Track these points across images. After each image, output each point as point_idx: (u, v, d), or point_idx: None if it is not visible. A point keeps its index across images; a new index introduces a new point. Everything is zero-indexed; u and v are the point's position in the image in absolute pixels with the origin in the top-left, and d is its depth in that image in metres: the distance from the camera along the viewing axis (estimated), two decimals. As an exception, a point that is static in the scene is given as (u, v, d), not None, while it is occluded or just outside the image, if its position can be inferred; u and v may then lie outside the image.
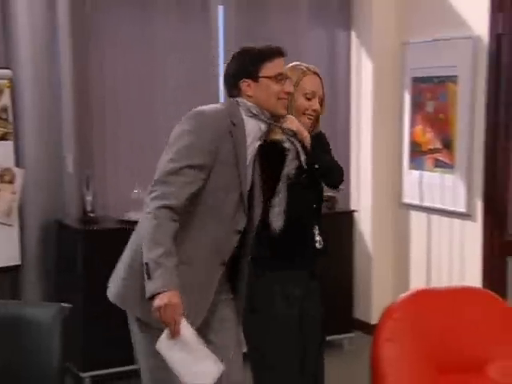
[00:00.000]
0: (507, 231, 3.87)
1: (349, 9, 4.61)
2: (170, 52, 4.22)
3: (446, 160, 4.17)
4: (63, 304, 2.36)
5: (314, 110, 2.40)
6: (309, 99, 2.40)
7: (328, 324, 2.60)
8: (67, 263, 3.82)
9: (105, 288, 3.66)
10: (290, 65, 2.43)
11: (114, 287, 2.34)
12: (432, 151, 4.27)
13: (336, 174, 2.48)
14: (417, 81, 4.35)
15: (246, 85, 2.22)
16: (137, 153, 4.16)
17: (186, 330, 2.08)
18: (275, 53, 2.26)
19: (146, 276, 2.07)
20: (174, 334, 2.05)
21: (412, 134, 4.41)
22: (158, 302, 2.02)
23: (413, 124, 4.40)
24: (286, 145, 2.33)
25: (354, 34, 4.62)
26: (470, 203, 4.00)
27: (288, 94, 2.24)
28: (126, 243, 3.73)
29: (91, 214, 3.86)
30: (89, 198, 3.86)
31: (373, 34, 4.49)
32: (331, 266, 4.16)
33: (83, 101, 3.97)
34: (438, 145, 4.22)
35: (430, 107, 4.28)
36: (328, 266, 4.08)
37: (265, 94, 2.21)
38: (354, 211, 4.51)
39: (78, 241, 3.71)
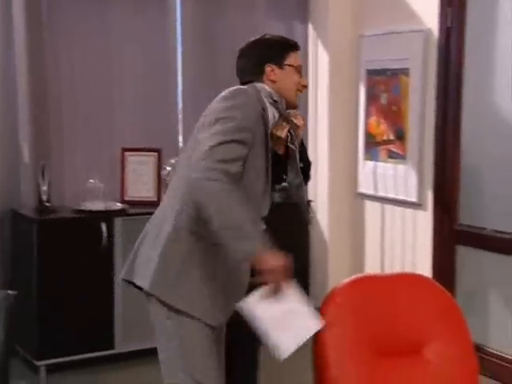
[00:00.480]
0: (456, 220, 3.97)
1: (306, 2, 4.68)
2: (127, 43, 4.25)
3: (399, 151, 4.26)
4: (9, 291, 2.38)
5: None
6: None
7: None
8: (23, 252, 3.84)
9: (60, 277, 3.73)
10: None
11: (142, 272, 2.28)
12: (386, 142, 4.36)
13: (310, 170, 2.57)
14: (371, 73, 4.43)
15: (270, 70, 2.29)
16: (93, 143, 4.19)
17: (290, 288, 2.12)
18: (297, 45, 2.39)
19: (234, 237, 2.04)
20: (277, 292, 2.07)
21: (367, 125, 4.50)
22: (271, 262, 2.03)
23: (368, 116, 4.49)
24: (292, 146, 2.36)
25: (311, 27, 4.69)
26: (421, 193, 4.10)
27: (304, 87, 2.35)
28: (82, 232, 3.81)
29: (47, 204, 3.89)
30: (44, 188, 3.88)
31: (329, 26, 4.56)
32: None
33: (39, 90, 3.98)
34: (392, 136, 4.32)
35: (383, 99, 4.37)
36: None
37: (288, 81, 2.28)
38: (310, 201, 4.58)
39: (34, 230, 3.72)
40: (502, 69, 3.73)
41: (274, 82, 2.28)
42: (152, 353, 3.96)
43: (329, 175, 4.64)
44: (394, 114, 4.30)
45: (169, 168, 4.28)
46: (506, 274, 3.68)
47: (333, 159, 4.64)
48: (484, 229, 3.80)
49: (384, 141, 4.38)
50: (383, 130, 4.38)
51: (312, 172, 4.58)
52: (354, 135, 4.59)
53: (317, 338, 2.39)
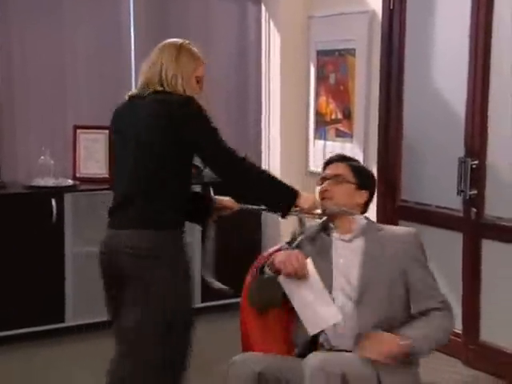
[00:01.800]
0: (399, 197, 4.11)
1: (259, -17, 4.76)
2: (79, 22, 4.30)
3: (346, 130, 4.38)
4: None
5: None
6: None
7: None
8: (-26, 227, 3.90)
9: (11, 252, 3.80)
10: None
11: None
12: (334, 121, 4.48)
13: None
14: (321, 54, 4.53)
15: None
16: (46, 120, 4.25)
17: (312, 271, 2.28)
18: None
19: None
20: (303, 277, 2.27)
21: (317, 105, 4.61)
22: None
23: (317, 96, 4.60)
24: None
25: (263, 8, 4.77)
26: (366, 171, 4.22)
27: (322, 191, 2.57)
28: (32, 208, 3.89)
29: (-2, 180, 3.95)
30: (-4, 164, 3.94)
31: (280, 7, 4.64)
32: (241, 231, 4.39)
33: (-9, 68, 4.03)
34: (339, 115, 4.43)
35: (332, 79, 4.47)
36: (238, 231, 4.35)
37: None
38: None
39: (-15, 205, 3.79)
40: (440, 50, 3.84)
41: None
42: (103, 326, 4.11)
43: (281, 154, 4.75)
44: (341, 94, 4.41)
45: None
46: (445, 247, 3.81)
47: (285, 138, 4.75)
48: (425, 205, 3.94)
49: (332, 120, 4.49)
50: (332, 110, 4.49)
51: (265, 150, 4.82)
52: (305, 115, 4.69)
53: (241, 317, 2.51)
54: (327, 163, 2.61)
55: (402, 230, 2.58)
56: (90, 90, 4.36)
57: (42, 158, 4.05)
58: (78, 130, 4.25)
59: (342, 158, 2.62)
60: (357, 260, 2.36)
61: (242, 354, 2.30)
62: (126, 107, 2.56)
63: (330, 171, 2.54)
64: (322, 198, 2.49)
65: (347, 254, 2.39)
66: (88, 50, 4.33)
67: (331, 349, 2.28)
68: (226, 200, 2.70)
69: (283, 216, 2.47)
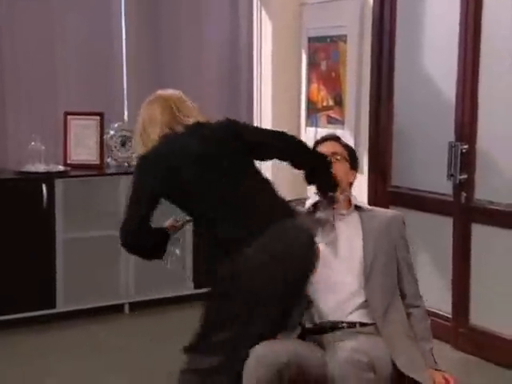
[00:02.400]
0: (390, 182, 4.12)
1: (251, -31, 4.75)
2: (70, 8, 4.29)
3: (337, 116, 4.38)
4: None
5: None
6: None
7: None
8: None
9: (1, 237, 3.79)
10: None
11: None
12: (325, 108, 4.48)
13: None
14: (312, 40, 4.53)
15: None
16: (36, 107, 4.25)
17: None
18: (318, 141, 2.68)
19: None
20: None
21: (308, 92, 4.61)
22: None
23: (309, 83, 4.60)
24: None
25: (255, -5, 4.77)
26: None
27: None
28: (23, 193, 3.89)
29: (-12, 165, 3.94)
30: (-14, 150, 3.93)
31: (273, -6, 4.65)
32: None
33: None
34: (331, 102, 4.43)
35: (323, 66, 4.47)
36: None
37: None
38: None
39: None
40: (431, 37, 3.84)
41: None
42: (94, 312, 4.13)
43: (272, 141, 4.73)
44: (332, 81, 4.41)
45: (112, 132, 4.35)
46: (435, 231, 3.83)
47: (276, 126, 4.70)
48: (415, 190, 3.95)
49: (324, 107, 4.49)
50: (323, 97, 4.49)
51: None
52: (297, 102, 4.69)
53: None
54: (321, 141, 2.60)
55: (389, 210, 2.67)
56: (81, 77, 4.35)
57: (33, 144, 4.04)
58: (69, 117, 4.24)
59: (336, 137, 2.64)
60: (357, 232, 2.40)
61: (264, 344, 2.11)
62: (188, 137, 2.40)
63: (326, 149, 2.53)
64: None
65: (347, 227, 2.42)
66: (78, 37, 4.33)
67: (316, 324, 2.29)
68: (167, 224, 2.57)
69: (334, 191, 2.40)
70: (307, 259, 2.22)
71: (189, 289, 4.33)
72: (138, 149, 2.49)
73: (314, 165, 2.44)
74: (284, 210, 2.32)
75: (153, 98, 2.50)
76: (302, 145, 2.49)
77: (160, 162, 2.32)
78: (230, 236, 2.21)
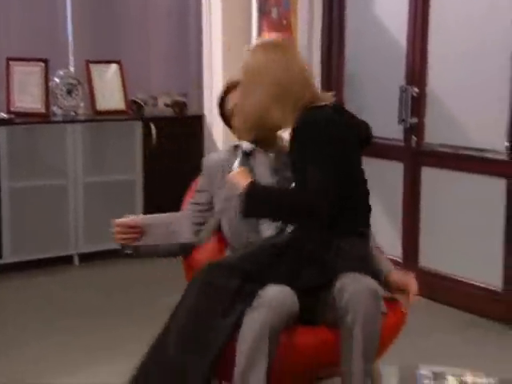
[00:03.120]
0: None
1: None
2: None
3: (289, 65, 4.34)
4: None
5: None
6: None
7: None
8: None
9: None
10: None
11: None
12: (276, 57, 4.43)
13: None
14: (259, -13, 4.46)
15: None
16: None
17: None
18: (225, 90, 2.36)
19: None
20: None
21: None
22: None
23: (260, 31, 4.53)
24: None
25: None
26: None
27: None
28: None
29: None
30: None
31: None
32: (179, 165, 4.32)
33: None
34: (282, 50, 4.38)
35: (274, 14, 4.41)
36: (176, 166, 4.29)
37: None
38: (203, 115, 4.64)
39: None
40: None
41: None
42: (43, 263, 4.04)
43: (223, 91, 4.68)
44: (284, 28, 4.35)
45: (57, 80, 4.22)
46: (387, 177, 3.86)
47: (227, 75, 4.67)
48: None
49: (275, 55, 4.44)
50: (274, 45, 4.44)
51: (207, 87, 4.76)
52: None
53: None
54: (228, 90, 2.35)
55: None
56: (23, 21, 4.19)
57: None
58: (11, 62, 4.08)
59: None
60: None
61: (277, 288, 1.94)
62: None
63: None
64: None
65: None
66: (22, 24, 4.16)
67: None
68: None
69: None
70: None
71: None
72: None
73: None
74: None
75: None
76: None
77: None
78: None
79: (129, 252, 2.27)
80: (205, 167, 2.37)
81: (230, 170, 2.17)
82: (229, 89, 2.35)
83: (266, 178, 2.20)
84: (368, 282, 1.93)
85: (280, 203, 1.98)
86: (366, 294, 1.87)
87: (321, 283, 1.98)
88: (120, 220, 2.26)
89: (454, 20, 3.47)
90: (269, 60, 2.08)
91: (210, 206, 2.32)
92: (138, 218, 2.35)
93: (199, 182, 2.38)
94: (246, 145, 2.29)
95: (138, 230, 2.26)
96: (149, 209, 4.25)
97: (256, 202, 1.98)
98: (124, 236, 2.25)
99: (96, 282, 3.92)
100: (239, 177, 2.05)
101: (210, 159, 2.40)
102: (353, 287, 1.87)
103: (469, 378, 1.68)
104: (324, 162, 1.91)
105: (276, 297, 1.89)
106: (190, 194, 2.47)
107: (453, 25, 3.48)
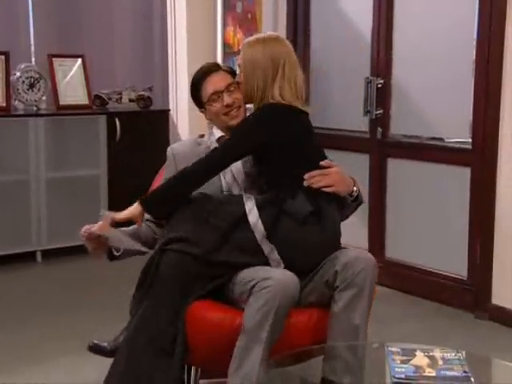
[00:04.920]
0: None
1: None
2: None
3: (254, 58, 4.33)
4: None
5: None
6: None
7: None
8: None
9: None
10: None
11: None
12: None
13: None
14: (227, -18, 4.45)
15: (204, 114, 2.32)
16: None
17: None
18: (201, 76, 2.29)
19: None
20: None
21: (224, 35, 4.53)
22: None
23: (225, 25, 4.52)
24: None
25: None
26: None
27: (228, 106, 2.23)
28: None
29: None
30: None
31: None
32: (144, 160, 4.26)
33: None
34: (247, 44, 4.37)
35: (239, 8, 4.40)
36: (141, 161, 4.24)
37: (213, 116, 2.27)
38: (168, 110, 4.60)
39: None
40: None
41: (211, 120, 2.32)
42: (4, 260, 3.95)
43: (188, 86, 4.63)
44: (249, 22, 4.35)
45: (18, 73, 4.13)
46: (353, 170, 3.85)
47: (192, 70, 4.59)
48: (332, 129, 3.96)
49: (240, 50, 4.42)
50: (239, 39, 4.43)
51: (172, 81, 4.72)
52: (213, 46, 4.61)
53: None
54: (204, 76, 2.30)
55: None
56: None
57: None
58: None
59: (218, 65, 2.37)
60: None
61: (286, 274, 1.99)
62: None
63: (219, 84, 2.25)
64: (227, 113, 2.25)
65: None
66: None
67: None
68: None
69: None
70: None
71: (104, 236, 4.22)
72: None
73: None
74: None
75: None
76: None
77: None
78: None
79: (117, 254, 2.22)
80: (172, 156, 2.34)
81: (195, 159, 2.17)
82: (206, 74, 2.31)
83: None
84: (368, 255, 2.06)
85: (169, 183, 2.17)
86: (371, 267, 2.01)
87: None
88: (86, 228, 2.15)
89: (418, 12, 3.50)
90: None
91: None
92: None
93: (166, 174, 2.32)
94: (217, 132, 2.32)
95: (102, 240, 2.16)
96: (114, 204, 4.20)
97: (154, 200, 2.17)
98: (92, 245, 2.16)
99: (59, 279, 3.84)
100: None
101: (175, 148, 2.37)
102: (359, 262, 1.99)
103: (437, 353, 1.68)
104: (231, 149, 2.13)
105: (281, 280, 1.93)
106: (157, 182, 2.44)
107: (417, 17, 3.50)
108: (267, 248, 2.03)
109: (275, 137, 2.11)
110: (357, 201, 2.23)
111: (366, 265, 1.99)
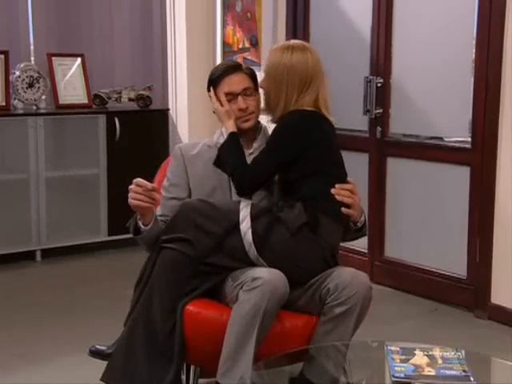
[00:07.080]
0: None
1: None
2: None
3: (254, 58, 4.34)
4: None
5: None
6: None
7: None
8: None
9: None
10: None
11: None
12: (241, 51, 4.42)
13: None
14: (227, -19, 4.45)
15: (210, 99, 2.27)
16: None
17: None
18: (220, 73, 2.24)
19: None
20: None
21: (224, 34, 4.53)
22: None
23: (224, 25, 4.52)
24: None
25: None
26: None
27: (241, 110, 2.19)
28: None
29: None
30: None
31: None
32: (144, 160, 4.26)
33: None
34: (247, 44, 4.38)
35: (238, 7, 4.40)
36: (141, 160, 4.23)
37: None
38: (168, 109, 4.60)
39: None
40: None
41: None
42: (4, 259, 3.95)
43: (187, 85, 4.65)
44: (248, 22, 4.35)
45: (18, 72, 4.13)
46: (353, 169, 3.84)
47: (191, 70, 4.65)
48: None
49: (240, 49, 4.43)
50: (239, 39, 4.43)
51: (171, 81, 4.72)
52: (212, 45, 4.61)
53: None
54: (224, 74, 2.22)
55: None
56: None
57: None
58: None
59: (239, 65, 2.28)
60: None
61: (274, 274, 1.98)
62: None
63: (236, 86, 2.20)
64: (240, 117, 2.20)
65: None
66: None
67: None
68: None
69: None
70: None
71: (103, 236, 4.24)
72: None
73: None
74: None
75: None
76: None
77: None
78: None
79: (143, 228, 2.13)
80: (181, 156, 2.28)
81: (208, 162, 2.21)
82: (225, 72, 2.24)
83: None
84: (363, 279, 2.05)
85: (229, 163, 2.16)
86: (365, 291, 2.00)
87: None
88: (141, 180, 2.11)
89: (418, 12, 3.50)
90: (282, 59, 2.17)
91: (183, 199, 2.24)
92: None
93: (172, 174, 2.29)
94: (226, 133, 2.24)
95: (155, 197, 2.10)
96: (113, 204, 4.21)
97: (226, 151, 2.17)
98: (139, 197, 2.08)
99: (58, 278, 3.84)
100: (228, 116, 2.18)
101: (184, 149, 2.31)
102: (352, 285, 1.97)
103: (436, 352, 1.68)
104: (271, 160, 2.12)
105: (270, 280, 1.92)
106: (159, 176, 2.43)
107: (417, 16, 3.50)
108: (254, 257, 2.02)
109: (313, 142, 2.09)
110: (360, 232, 2.21)
111: (360, 288, 1.97)
